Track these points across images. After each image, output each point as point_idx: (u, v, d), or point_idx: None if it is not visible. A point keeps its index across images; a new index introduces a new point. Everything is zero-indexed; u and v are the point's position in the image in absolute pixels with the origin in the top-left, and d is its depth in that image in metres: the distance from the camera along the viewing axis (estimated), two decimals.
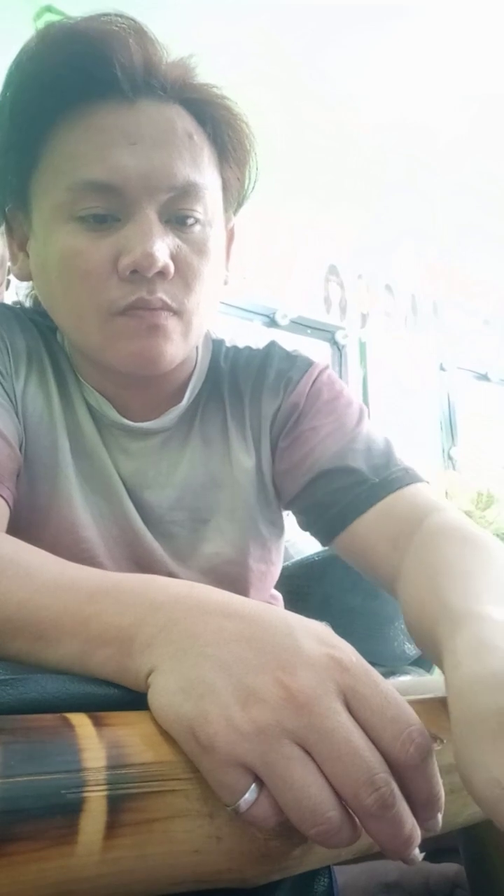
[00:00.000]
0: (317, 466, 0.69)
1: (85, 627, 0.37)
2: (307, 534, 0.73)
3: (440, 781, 0.31)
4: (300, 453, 0.71)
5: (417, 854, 0.30)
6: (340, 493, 0.67)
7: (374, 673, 0.32)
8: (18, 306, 0.75)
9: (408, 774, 0.30)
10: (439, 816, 0.31)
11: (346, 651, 0.33)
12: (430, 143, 2.64)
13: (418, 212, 2.98)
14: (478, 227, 3.10)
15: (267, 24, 2.12)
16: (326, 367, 0.77)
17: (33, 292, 0.75)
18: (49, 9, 2.09)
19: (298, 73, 2.31)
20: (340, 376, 2.92)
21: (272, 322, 2.89)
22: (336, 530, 0.68)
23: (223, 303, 2.58)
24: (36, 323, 0.70)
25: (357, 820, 0.29)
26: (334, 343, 3.09)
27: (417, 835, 0.30)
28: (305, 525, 0.73)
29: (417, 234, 3.14)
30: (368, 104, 2.46)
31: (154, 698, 0.32)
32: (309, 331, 3.00)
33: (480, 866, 0.52)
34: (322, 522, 0.70)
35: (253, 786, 0.29)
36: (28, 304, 0.76)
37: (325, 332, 3.07)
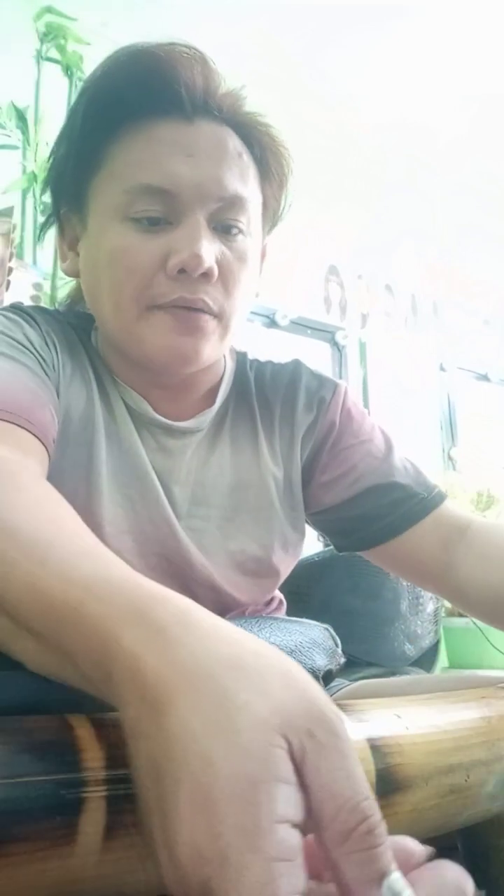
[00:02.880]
0: (362, 481, 0.78)
1: None
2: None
3: None
4: (342, 468, 0.79)
5: None
6: (392, 506, 0.77)
7: None
8: (54, 310, 0.78)
9: None
10: None
11: None
12: (430, 143, 2.64)
13: (418, 212, 2.98)
14: (478, 227, 3.10)
15: (266, 25, 2.12)
16: (345, 386, 0.84)
17: (38, 293, 0.77)
18: (49, 9, 2.08)
19: (298, 73, 2.31)
20: (340, 376, 2.93)
21: (272, 322, 2.88)
22: (386, 538, 0.78)
23: None
24: (73, 326, 0.74)
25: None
26: (334, 343, 3.08)
27: None
28: (344, 532, 0.81)
29: (417, 234, 3.14)
30: (368, 104, 2.46)
31: None
32: (309, 331, 2.99)
33: (480, 866, 0.52)
34: (368, 531, 0.78)
35: None
36: (33, 303, 0.78)
37: (325, 333, 3.06)
